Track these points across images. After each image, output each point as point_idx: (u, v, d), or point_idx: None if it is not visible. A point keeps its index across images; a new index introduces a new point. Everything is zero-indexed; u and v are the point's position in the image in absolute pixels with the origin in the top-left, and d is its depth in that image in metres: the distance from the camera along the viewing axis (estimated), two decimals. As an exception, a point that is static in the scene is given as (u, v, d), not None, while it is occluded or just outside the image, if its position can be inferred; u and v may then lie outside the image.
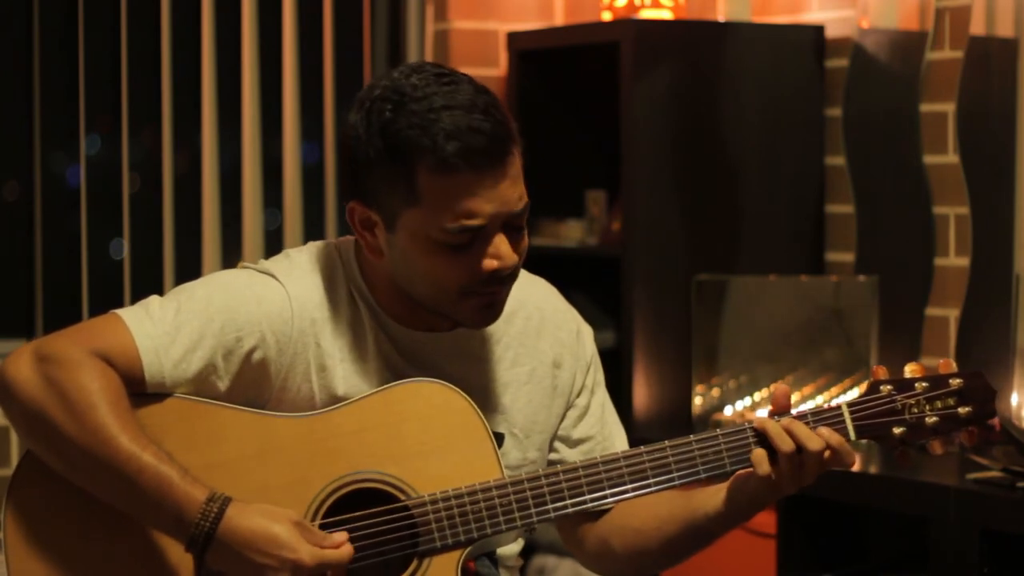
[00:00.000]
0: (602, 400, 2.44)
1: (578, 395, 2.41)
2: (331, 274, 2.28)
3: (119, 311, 2.22)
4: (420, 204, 2.15)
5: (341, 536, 2.17)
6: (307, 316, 2.24)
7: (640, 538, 2.36)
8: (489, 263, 2.18)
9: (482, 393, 2.29)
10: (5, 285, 4.41)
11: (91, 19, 4.39)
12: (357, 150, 2.19)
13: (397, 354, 2.27)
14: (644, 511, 2.35)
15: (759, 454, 2.21)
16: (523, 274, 2.37)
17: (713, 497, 2.28)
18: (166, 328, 2.19)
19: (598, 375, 2.44)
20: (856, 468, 3.53)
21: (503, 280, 2.21)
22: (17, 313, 4.40)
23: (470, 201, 2.15)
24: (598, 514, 2.39)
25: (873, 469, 3.55)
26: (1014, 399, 3.62)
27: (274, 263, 2.29)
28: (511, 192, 2.17)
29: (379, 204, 2.19)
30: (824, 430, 2.22)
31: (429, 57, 4.70)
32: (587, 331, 2.43)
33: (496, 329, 2.32)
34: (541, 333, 2.37)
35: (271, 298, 2.23)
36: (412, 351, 2.28)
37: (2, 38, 4.38)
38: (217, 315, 2.20)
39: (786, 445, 2.21)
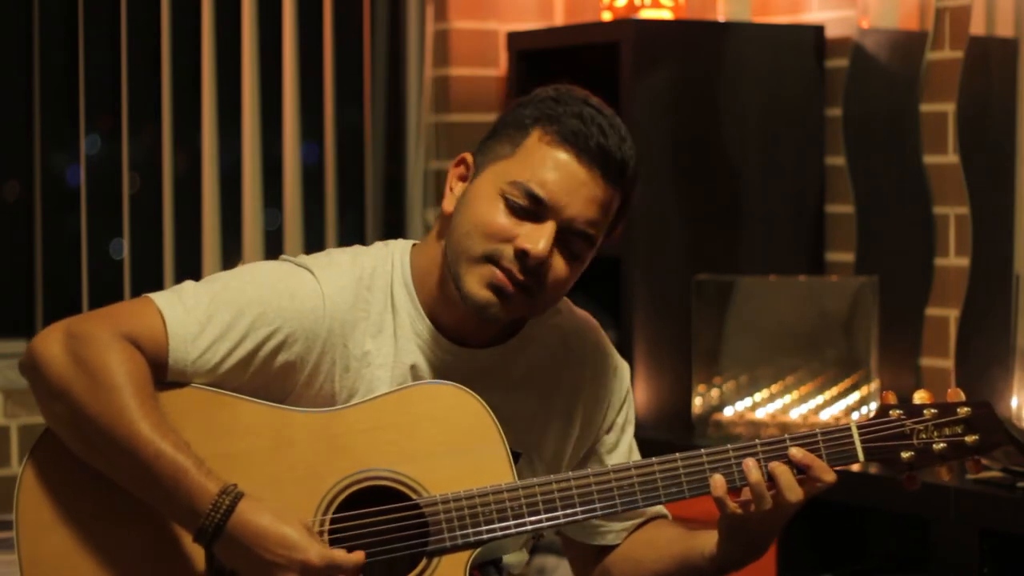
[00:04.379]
0: (631, 440, 2.45)
1: (608, 432, 2.42)
2: (371, 278, 2.28)
3: (153, 295, 2.23)
4: (513, 157, 2.22)
5: (358, 555, 2.16)
6: (338, 316, 2.24)
7: (638, 568, 2.39)
8: (523, 241, 2.19)
9: (504, 415, 2.28)
10: (5, 285, 4.41)
11: (91, 19, 4.39)
12: (506, 114, 2.30)
13: (423, 366, 2.28)
14: (647, 545, 2.38)
15: (717, 479, 2.23)
16: (568, 305, 2.41)
17: (710, 538, 2.29)
18: (198, 317, 2.20)
19: (630, 413, 2.45)
20: (856, 468, 3.55)
21: (526, 269, 2.20)
22: (17, 313, 4.40)
23: (552, 172, 2.20)
24: (605, 548, 2.42)
25: (873, 469, 3.55)
26: (1014, 400, 3.62)
27: (314, 258, 2.30)
28: (588, 205, 2.21)
29: (484, 156, 2.26)
30: (796, 451, 2.23)
31: (429, 57, 4.70)
32: (624, 368, 2.44)
33: (531, 353, 2.34)
34: (577, 364, 2.38)
35: (305, 294, 2.24)
36: (440, 365, 2.28)
37: (2, 38, 4.38)
38: (248, 308, 2.21)
39: (752, 476, 2.22)
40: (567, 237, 2.22)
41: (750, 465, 2.22)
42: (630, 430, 2.45)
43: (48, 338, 2.19)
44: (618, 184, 2.24)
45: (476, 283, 2.22)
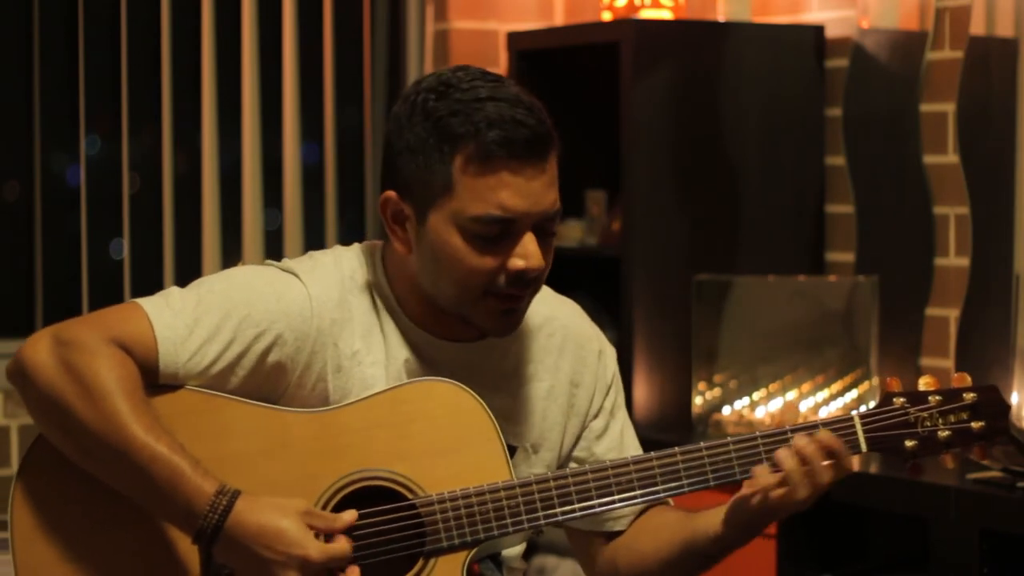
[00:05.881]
0: (622, 424, 2.43)
1: (595, 417, 2.40)
2: (354, 277, 2.28)
3: (140, 300, 2.22)
4: (454, 192, 2.16)
5: (351, 515, 2.16)
6: (327, 316, 2.23)
7: (643, 560, 2.36)
8: (516, 262, 2.17)
9: (497, 406, 2.27)
10: (5, 285, 4.41)
11: (91, 19, 4.39)
12: (398, 138, 2.21)
13: (416, 360, 2.27)
14: (650, 534, 2.36)
15: (761, 469, 2.21)
16: (550, 292, 2.39)
17: (713, 519, 2.27)
18: (185, 320, 2.19)
19: (619, 398, 2.43)
20: (856, 468, 3.55)
21: (528, 283, 2.20)
22: (17, 313, 4.40)
23: (504, 193, 2.15)
24: (610, 535, 2.40)
25: (873, 469, 3.55)
26: (1014, 399, 3.62)
27: (297, 262, 2.29)
28: (546, 193, 2.17)
29: (413, 195, 2.20)
30: (825, 435, 2.20)
31: (429, 57, 4.70)
32: (610, 352, 2.42)
33: (518, 343, 2.33)
34: (563, 351, 2.37)
35: (291, 296, 2.23)
36: (431, 359, 2.27)
37: (2, 38, 4.38)
38: (236, 310, 2.20)
39: (789, 464, 2.18)
40: (541, 226, 2.20)
41: (783, 456, 2.18)
42: (620, 415, 2.42)
43: (36, 345, 2.17)
44: (553, 148, 2.20)
45: (489, 318, 2.22)
